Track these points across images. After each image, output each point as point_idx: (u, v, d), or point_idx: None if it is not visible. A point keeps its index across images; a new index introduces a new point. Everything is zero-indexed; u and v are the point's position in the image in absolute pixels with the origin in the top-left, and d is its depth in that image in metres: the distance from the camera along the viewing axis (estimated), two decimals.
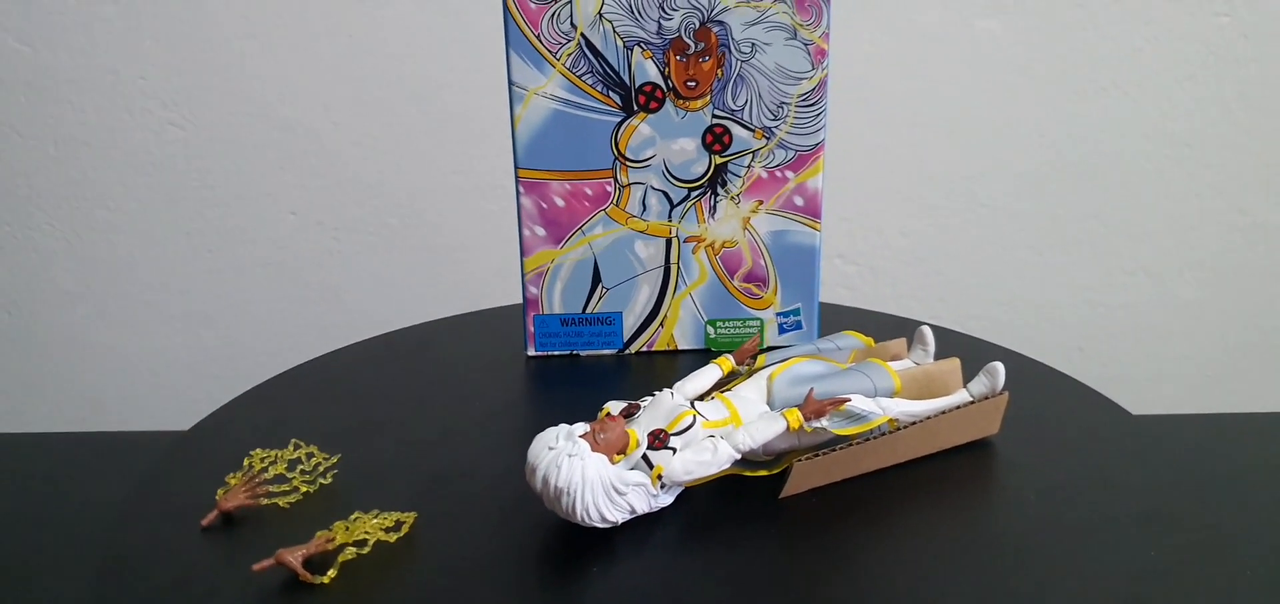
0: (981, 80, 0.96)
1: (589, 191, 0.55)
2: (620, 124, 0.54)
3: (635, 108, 0.54)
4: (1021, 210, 1.00)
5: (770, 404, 0.44)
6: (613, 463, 0.39)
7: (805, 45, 0.52)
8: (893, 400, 0.44)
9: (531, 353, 0.59)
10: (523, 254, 0.57)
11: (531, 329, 0.59)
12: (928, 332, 0.50)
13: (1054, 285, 1.03)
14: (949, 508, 0.43)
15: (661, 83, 0.53)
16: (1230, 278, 1.03)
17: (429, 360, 0.59)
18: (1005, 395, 0.46)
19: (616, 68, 0.53)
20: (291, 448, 0.47)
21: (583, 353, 0.59)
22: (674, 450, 0.40)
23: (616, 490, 0.38)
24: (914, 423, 0.44)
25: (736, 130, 0.54)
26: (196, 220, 1.03)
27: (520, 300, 0.59)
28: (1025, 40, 0.94)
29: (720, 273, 0.57)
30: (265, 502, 0.43)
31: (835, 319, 0.63)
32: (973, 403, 0.46)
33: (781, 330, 0.59)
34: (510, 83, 0.53)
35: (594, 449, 0.38)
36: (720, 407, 0.43)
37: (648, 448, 0.40)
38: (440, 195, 1.01)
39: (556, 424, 0.40)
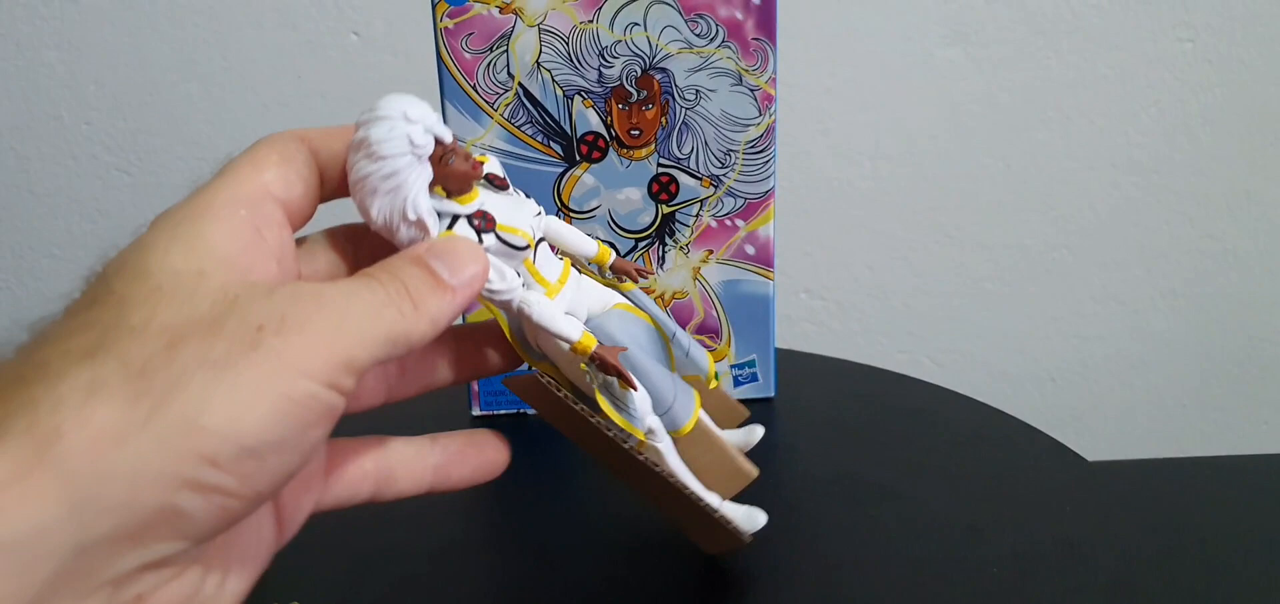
0: (944, 110, 0.94)
1: None
2: (563, 175, 0.52)
3: (577, 158, 0.51)
4: (989, 241, 0.99)
5: (587, 321, 0.36)
6: (433, 192, 0.32)
7: (752, 91, 0.51)
8: (664, 435, 0.37)
9: (476, 412, 0.57)
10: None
11: (475, 388, 0.56)
12: (758, 432, 0.42)
13: (1023, 316, 1.02)
14: (907, 584, 0.41)
15: (604, 132, 0.51)
16: (1202, 305, 1.02)
17: (370, 420, 0.56)
18: (741, 538, 0.39)
19: (557, 117, 0.51)
20: None
21: (531, 412, 0.57)
22: (482, 245, 0.32)
23: (408, 211, 0.30)
24: (656, 467, 0.37)
25: (683, 179, 0.52)
26: None
27: None
28: (987, 69, 0.93)
29: None
30: None
31: (800, 365, 0.61)
32: (714, 515, 0.38)
33: (737, 383, 0.56)
34: None
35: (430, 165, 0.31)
36: (556, 267, 0.35)
37: (468, 219, 0.32)
38: None
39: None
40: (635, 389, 0.34)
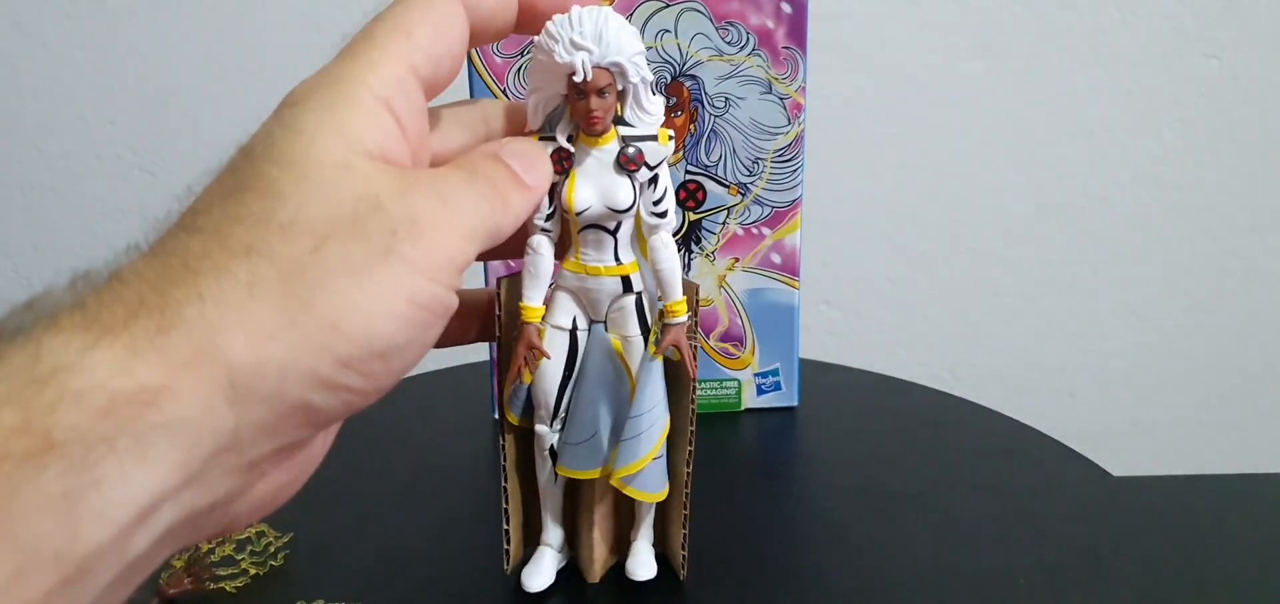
0: (967, 123, 0.94)
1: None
2: None
3: None
4: (1009, 255, 0.98)
5: (590, 325, 0.37)
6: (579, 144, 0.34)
7: (781, 99, 0.51)
8: (548, 440, 0.39)
9: (496, 416, 0.57)
10: None
11: (496, 392, 0.56)
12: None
13: (1043, 330, 1.01)
14: (935, 593, 0.41)
15: None
16: (1224, 321, 1.01)
17: (393, 422, 0.57)
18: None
19: None
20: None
21: None
22: (566, 175, 0.34)
23: (537, 83, 0.33)
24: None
25: (711, 186, 0.52)
26: None
27: (488, 358, 0.57)
28: (1012, 83, 0.93)
29: None
30: (211, 587, 0.41)
31: (823, 375, 0.61)
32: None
33: (760, 392, 0.56)
34: None
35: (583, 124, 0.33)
36: (600, 258, 0.36)
37: (559, 147, 0.33)
38: None
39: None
40: (521, 383, 0.37)
